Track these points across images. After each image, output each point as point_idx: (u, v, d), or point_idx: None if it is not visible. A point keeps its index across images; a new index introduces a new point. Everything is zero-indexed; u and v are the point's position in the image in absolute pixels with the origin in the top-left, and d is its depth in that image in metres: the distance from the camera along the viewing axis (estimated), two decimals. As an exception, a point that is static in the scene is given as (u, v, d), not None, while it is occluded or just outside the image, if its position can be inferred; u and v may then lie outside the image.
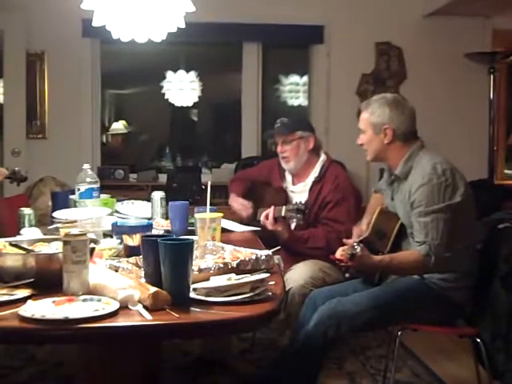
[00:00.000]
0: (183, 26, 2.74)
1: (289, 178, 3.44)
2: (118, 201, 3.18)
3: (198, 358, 3.34)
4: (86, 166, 2.97)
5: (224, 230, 2.65)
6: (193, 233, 2.48)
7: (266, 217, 3.03)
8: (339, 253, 2.51)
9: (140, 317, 1.59)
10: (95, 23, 2.66)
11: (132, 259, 2.00)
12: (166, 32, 2.77)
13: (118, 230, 2.42)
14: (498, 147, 5.75)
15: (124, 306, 1.63)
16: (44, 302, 1.64)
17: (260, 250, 2.16)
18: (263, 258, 2.02)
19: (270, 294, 1.79)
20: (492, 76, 5.37)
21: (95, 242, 2.11)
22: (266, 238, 2.84)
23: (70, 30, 5.23)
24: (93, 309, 1.59)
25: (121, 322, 1.57)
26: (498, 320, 2.52)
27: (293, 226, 3.18)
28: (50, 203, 3.11)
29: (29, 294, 1.73)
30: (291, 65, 6.25)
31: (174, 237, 1.93)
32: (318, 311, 2.55)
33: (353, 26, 5.49)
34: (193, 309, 1.67)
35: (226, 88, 6.52)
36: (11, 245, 1.99)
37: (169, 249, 1.67)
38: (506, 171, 5.97)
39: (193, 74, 6.07)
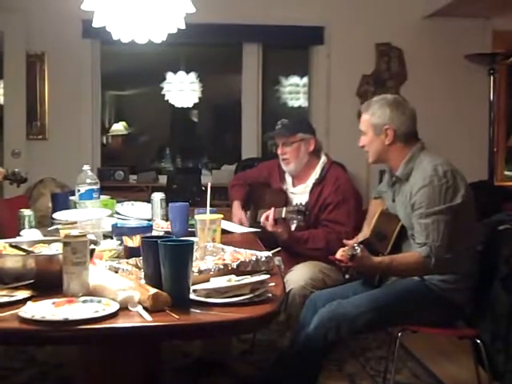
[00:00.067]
0: (183, 26, 2.74)
1: (289, 179, 3.43)
2: (118, 202, 3.17)
3: (197, 360, 3.34)
4: (86, 167, 2.97)
5: (224, 232, 2.65)
6: (193, 234, 2.48)
7: (266, 218, 3.03)
8: (339, 253, 2.51)
9: (140, 318, 1.59)
10: (95, 24, 2.66)
11: (132, 260, 2.00)
12: (166, 33, 2.77)
13: (117, 232, 2.42)
14: (498, 148, 5.75)
15: (124, 308, 1.63)
16: (44, 303, 1.64)
17: (260, 251, 2.16)
18: (263, 259, 2.02)
19: (270, 295, 1.79)
20: (492, 77, 5.37)
21: (95, 243, 2.11)
22: (266, 240, 2.84)
23: (70, 30, 5.23)
24: (93, 310, 1.59)
25: (121, 323, 1.57)
26: (498, 321, 2.52)
27: (293, 227, 3.17)
28: (50, 204, 3.11)
29: (29, 296, 1.73)
30: (291, 66, 6.25)
31: (174, 238, 1.93)
32: (319, 314, 2.55)
33: (353, 26, 5.50)
34: (193, 310, 1.67)
35: (226, 89, 6.53)
36: (11, 246, 1.99)
37: (169, 250, 1.67)
38: (506, 172, 5.97)
39: (193, 75, 6.07)
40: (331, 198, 3.19)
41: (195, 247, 1.90)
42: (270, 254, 2.09)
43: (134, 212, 3.09)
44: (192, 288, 1.73)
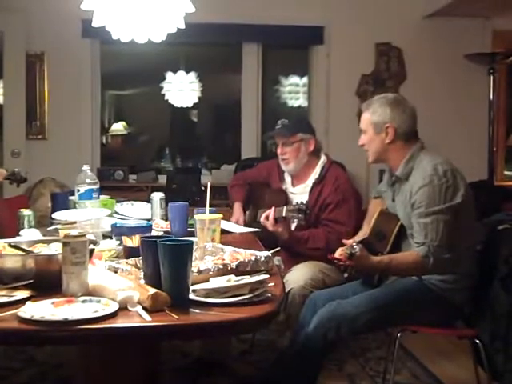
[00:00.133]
0: (183, 26, 2.74)
1: (288, 179, 3.43)
2: (117, 202, 3.17)
3: (197, 360, 3.34)
4: (86, 167, 2.97)
5: (223, 232, 2.65)
6: (192, 234, 2.48)
7: (267, 217, 3.02)
8: (338, 252, 2.51)
9: (139, 318, 1.59)
10: (95, 24, 2.66)
11: (131, 260, 2.00)
12: (165, 32, 2.78)
13: (117, 231, 2.42)
14: (498, 148, 5.75)
15: (123, 308, 1.63)
16: (43, 303, 1.63)
17: (259, 251, 2.16)
18: (263, 259, 2.02)
19: (270, 295, 1.79)
20: (492, 77, 5.38)
21: (94, 243, 2.11)
22: (265, 239, 2.84)
23: (69, 30, 5.23)
24: (92, 310, 1.59)
25: (120, 323, 1.57)
26: (498, 321, 2.52)
27: (293, 226, 3.17)
28: (49, 204, 3.11)
29: (28, 296, 1.73)
30: (291, 65, 6.25)
31: (174, 238, 1.93)
32: (318, 314, 2.55)
33: (353, 26, 5.50)
34: (192, 310, 1.67)
35: (226, 89, 6.53)
36: (10, 246, 1.98)
37: (168, 250, 1.67)
38: (506, 172, 5.97)
39: (193, 75, 6.07)
40: (331, 197, 3.19)
41: (195, 247, 1.90)
42: (269, 253, 2.09)
43: (134, 212, 3.09)
44: (191, 288, 1.73)
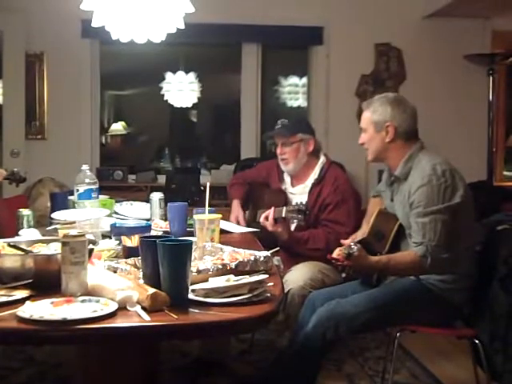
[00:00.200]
0: (182, 26, 2.74)
1: (287, 179, 3.43)
2: (116, 202, 3.17)
3: (196, 359, 3.34)
4: (85, 167, 2.97)
5: (223, 231, 2.65)
6: (191, 234, 2.48)
7: (266, 218, 3.02)
8: (336, 252, 2.51)
9: (138, 318, 1.59)
10: (94, 24, 2.66)
11: (130, 260, 2.00)
12: (165, 33, 2.77)
13: (116, 231, 2.42)
14: (497, 149, 5.75)
15: (122, 307, 1.63)
16: (42, 302, 1.63)
17: (259, 251, 2.16)
18: (262, 259, 2.02)
19: (269, 295, 1.79)
20: (491, 77, 5.38)
21: (94, 243, 2.10)
22: (264, 239, 2.84)
23: (69, 30, 5.23)
24: (91, 310, 1.59)
25: (119, 323, 1.57)
26: (497, 321, 2.52)
27: (293, 227, 3.17)
28: (48, 204, 3.10)
29: (27, 295, 1.73)
30: (290, 66, 6.25)
31: (173, 238, 1.93)
32: (317, 313, 2.55)
33: (352, 27, 5.50)
34: (191, 310, 1.67)
35: (226, 89, 6.53)
36: (10, 246, 1.98)
37: (167, 250, 1.67)
38: (505, 173, 5.98)
39: (192, 75, 6.07)
40: (330, 198, 3.19)
41: (194, 247, 1.90)
42: (268, 253, 2.09)
43: (133, 212, 3.09)
44: (190, 288, 1.73)
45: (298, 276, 3.01)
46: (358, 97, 5.52)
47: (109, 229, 2.52)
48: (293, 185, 3.40)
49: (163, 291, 1.67)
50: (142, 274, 1.82)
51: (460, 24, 5.49)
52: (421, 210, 2.49)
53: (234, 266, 1.93)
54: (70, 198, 3.02)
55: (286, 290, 2.78)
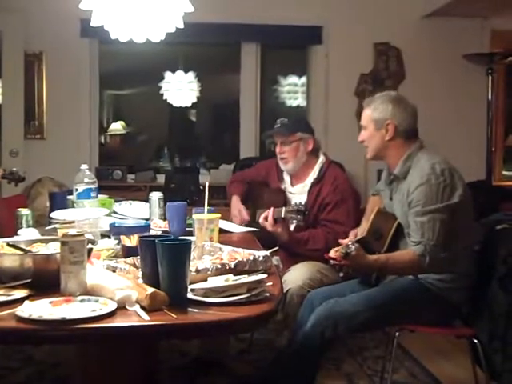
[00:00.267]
0: (182, 26, 2.74)
1: (287, 178, 3.43)
2: (115, 201, 3.17)
3: (195, 359, 3.34)
4: (84, 167, 2.97)
5: (222, 231, 2.65)
6: (190, 233, 2.47)
7: (265, 218, 3.02)
8: (333, 252, 2.51)
9: (137, 317, 1.59)
10: (93, 23, 2.65)
11: (130, 260, 1.99)
12: (164, 32, 2.77)
13: (115, 231, 2.42)
14: (496, 148, 5.75)
15: (121, 307, 1.63)
16: (41, 302, 1.63)
17: (258, 250, 2.16)
18: (261, 258, 2.02)
19: (268, 294, 1.79)
20: (490, 77, 5.38)
21: (93, 242, 2.10)
22: (264, 239, 2.84)
23: (68, 30, 5.23)
24: (90, 309, 1.59)
25: (118, 322, 1.57)
26: (496, 321, 2.52)
27: (292, 227, 3.17)
28: (47, 204, 3.10)
29: (26, 295, 1.73)
30: (290, 65, 6.26)
31: (172, 237, 1.93)
32: (316, 312, 2.55)
33: (351, 26, 5.50)
34: (190, 309, 1.67)
35: (225, 88, 6.53)
36: (9, 245, 1.98)
37: (166, 249, 1.67)
38: (504, 172, 5.98)
39: (191, 75, 6.07)
40: (330, 197, 3.19)
41: (193, 246, 1.90)
42: (267, 253, 2.09)
43: (132, 211, 3.09)
44: (190, 287, 1.73)
45: (296, 276, 3.00)
46: (357, 96, 5.52)
47: (108, 228, 2.52)
48: (292, 184, 3.40)
49: (162, 291, 1.67)
50: (141, 273, 1.82)
51: (459, 23, 5.49)
52: (419, 209, 2.49)
53: (233, 266, 1.93)
54: (69, 197, 3.01)
55: (284, 290, 2.78)
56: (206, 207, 2.49)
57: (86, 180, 2.92)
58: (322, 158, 3.35)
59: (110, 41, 2.94)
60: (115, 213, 3.04)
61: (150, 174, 5.68)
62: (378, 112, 2.66)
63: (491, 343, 2.53)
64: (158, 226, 2.77)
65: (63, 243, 1.72)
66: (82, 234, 1.76)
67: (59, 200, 3.04)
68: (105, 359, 1.88)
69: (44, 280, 1.79)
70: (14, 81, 5.25)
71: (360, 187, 5.03)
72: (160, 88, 6.03)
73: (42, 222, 2.95)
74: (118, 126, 6.64)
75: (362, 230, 2.79)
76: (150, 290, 1.65)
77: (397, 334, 2.59)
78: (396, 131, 2.63)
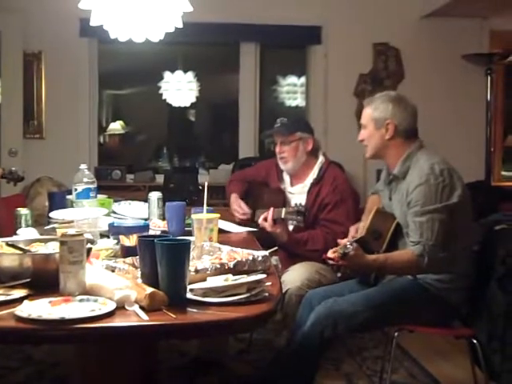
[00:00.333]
0: (181, 26, 2.74)
1: (287, 178, 3.43)
2: (114, 201, 3.17)
3: (194, 359, 3.34)
4: (83, 167, 2.97)
5: (221, 231, 2.65)
6: (190, 233, 2.47)
7: (265, 219, 3.02)
8: (331, 252, 2.51)
9: (136, 317, 1.59)
10: (93, 23, 2.65)
11: (129, 260, 1.99)
12: (163, 32, 2.77)
13: (114, 231, 2.42)
14: (495, 148, 5.76)
15: (120, 307, 1.63)
16: (40, 302, 1.63)
17: (257, 250, 2.16)
18: (260, 258, 2.02)
19: (267, 294, 1.79)
20: (489, 77, 5.38)
21: (92, 242, 2.10)
22: (263, 239, 2.83)
23: (67, 29, 5.23)
24: (89, 309, 1.59)
25: (117, 322, 1.57)
26: (495, 321, 2.52)
27: (291, 227, 3.17)
28: (46, 203, 3.10)
29: (25, 294, 1.73)
30: (289, 65, 6.25)
31: (171, 237, 1.93)
32: (315, 311, 2.55)
33: (350, 26, 5.50)
34: (189, 309, 1.67)
35: (224, 88, 6.52)
36: (8, 245, 1.98)
37: (166, 249, 1.67)
38: (503, 173, 5.98)
39: (190, 75, 6.07)
40: (329, 197, 3.19)
41: (192, 246, 1.90)
42: (266, 253, 2.09)
43: (131, 211, 3.09)
44: (189, 287, 1.73)
45: (295, 276, 3.00)
46: (357, 96, 5.53)
47: (107, 228, 2.52)
48: (292, 184, 3.40)
49: (161, 290, 1.67)
50: (140, 273, 1.82)
51: (458, 24, 5.50)
52: (418, 209, 2.49)
53: (232, 266, 1.93)
54: (68, 197, 3.01)
55: (283, 291, 2.78)
56: (205, 207, 2.49)
57: (85, 180, 2.92)
58: (321, 159, 3.35)
59: (110, 40, 2.94)
60: (114, 213, 3.04)
61: (149, 174, 5.68)
62: (378, 111, 2.66)
63: (490, 343, 2.54)
64: (157, 226, 2.77)
65: (62, 243, 1.72)
66: (81, 234, 1.76)
67: (58, 200, 3.04)
68: (104, 359, 1.88)
69: (43, 280, 1.79)
70: (13, 80, 5.25)
71: (359, 187, 5.03)
72: (159, 88, 6.03)
73: (41, 221, 2.95)
74: (117, 126, 6.63)
75: (362, 225, 2.78)
76: (149, 289, 1.65)
77: (396, 334, 2.59)
78: (396, 131, 2.63)
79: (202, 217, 2.41)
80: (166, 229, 2.70)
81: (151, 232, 2.60)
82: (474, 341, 2.57)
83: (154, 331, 1.60)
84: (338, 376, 3.27)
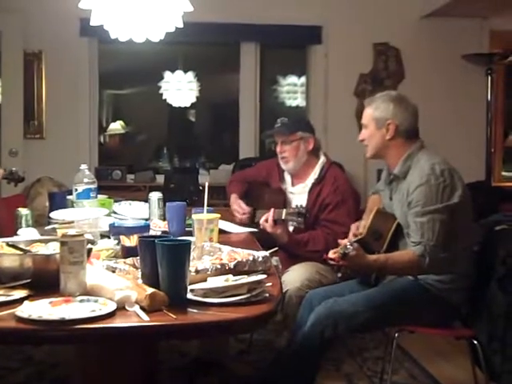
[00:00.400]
0: (181, 25, 2.74)
1: (288, 178, 3.43)
2: (115, 201, 3.17)
3: (195, 359, 3.34)
4: (84, 167, 2.97)
5: (221, 231, 2.65)
6: (190, 234, 2.47)
7: (266, 220, 3.01)
8: (332, 252, 2.50)
9: (137, 318, 1.59)
10: (93, 22, 2.65)
11: (129, 260, 1.99)
12: (164, 32, 2.77)
13: (115, 231, 2.41)
14: (496, 149, 5.75)
15: (121, 307, 1.63)
16: (41, 302, 1.63)
17: (257, 251, 2.15)
18: (260, 259, 2.02)
19: (267, 295, 1.79)
20: (489, 77, 5.38)
21: (92, 242, 2.10)
22: (263, 240, 2.83)
23: (67, 29, 5.23)
24: (90, 309, 1.59)
25: (118, 322, 1.57)
26: (495, 322, 2.52)
27: (291, 228, 3.17)
28: (47, 204, 3.09)
29: (26, 295, 1.73)
30: (289, 65, 6.25)
31: (172, 238, 1.93)
32: (315, 311, 2.55)
33: (351, 26, 5.50)
34: (190, 310, 1.67)
35: (224, 88, 6.52)
36: (8, 245, 1.98)
37: (166, 250, 1.67)
38: (504, 173, 5.98)
39: (191, 75, 6.06)
40: (330, 198, 3.19)
41: (192, 247, 1.90)
42: (267, 253, 2.09)
43: (132, 211, 3.09)
44: (189, 288, 1.73)
45: (295, 277, 3.00)
46: (357, 96, 5.53)
47: (107, 228, 2.52)
48: (293, 184, 3.39)
49: (162, 291, 1.67)
50: (140, 273, 1.82)
51: (458, 24, 5.50)
52: (419, 209, 2.49)
53: (232, 266, 1.93)
54: (69, 197, 3.01)
55: (283, 291, 2.78)
56: (206, 207, 2.49)
57: (85, 180, 2.92)
58: (322, 159, 3.35)
59: (110, 40, 2.94)
60: (115, 213, 3.04)
61: (149, 174, 5.68)
62: (379, 111, 2.66)
63: (490, 344, 2.53)
64: (158, 227, 2.77)
65: (63, 243, 1.72)
66: (82, 234, 1.76)
67: (58, 200, 3.04)
68: (104, 359, 1.88)
69: (43, 280, 1.79)
70: (14, 80, 5.25)
71: (359, 187, 5.03)
72: (159, 88, 6.02)
73: (41, 222, 2.95)
74: (117, 126, 6.63)
75: (363, 224, 2.78)
76: (150, 290, 1.65)
77: (396, 334, 2.59)
78: (397, 131, 2.63)
79: (202, 217, 2.41)
80: (167, 229, 2.70)
81: (152, 232, 2.60)
82: (475, 341, 2.57)
83: (155, 332, 1.60)
84: (338, 376, 3.27)
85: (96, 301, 1.65)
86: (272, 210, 3.01)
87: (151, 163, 6.51)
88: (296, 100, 6.29)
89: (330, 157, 3.47)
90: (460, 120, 5.56)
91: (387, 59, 5.58)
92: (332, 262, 2.50)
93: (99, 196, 3.06)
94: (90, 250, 1.91)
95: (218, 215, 2.47)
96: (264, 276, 1.84)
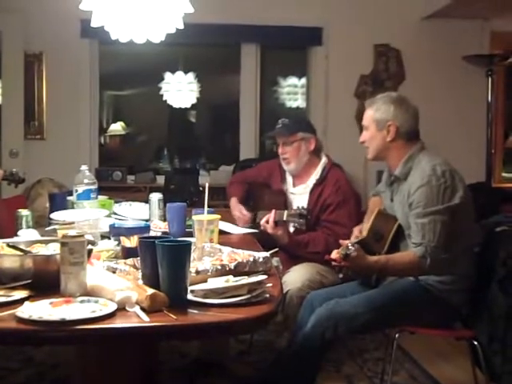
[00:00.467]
0: (182, 27, 2.74)
1: (289, 179, 3.42)
2: (115, 202, 3.17)
3: (195, 360, 3.34)
4: (84, 168, 2.97)
5: (222, 232, 2.65)
6: (190, 235, 2.47)
7: (267, 221, 3.01)
8: (334, 253, 2.51)
9: (137, 318, 1.59)
10: (94, 24, 2.65)
11: (129, 261, 1.99)
12: (164, 33, 2.77)
13: (115, 232, 2.42)
14: (496, 150, 5.75)
15: (121, 308, 1.63)
16: (41, 303, 1.63)
17: (258, 252, 2.15)
18: (261, 260, 2.02)
19: (268, 295, 1.79)
20: (490, 78, 5.38)
21: (93, 243, 2.10)
22: (264, 241, 2.83)
23: (68, 30, 5.23)
24: (90, 310, 1.59)
25: (118, 323, 1.57)
26: (495, 323, 2.52)
27: (291, 229, 3.17)
28: (47, 204, 3.10)
29: (26, 296, 1.73)
30: (289, 66, 6.26)
31: (172, 238, 1.93)
32: (316, 312, 2.55)
33: (351, 27, 5.50)
34: (190, 310, 1.67)
35: (225, 89, 6.52)
36: (9, 246, 1.98)
37: (166, 250, 1.67)
38: (504, 174, 5.98)
39: (191, 76, 6.07)
40: (331, 198, 3.19)
41: (193, 248, 1.90)
42: (267, 254, 2.09)
43: (132, 212, 3.09)
44: (189, 288, 1.73)
45: (296, 277, 3.00)
46: (357, 97, 5.53)
47: (108, 229, 2.52)
48: (294, 185, 3.39)
49: (162, 292, 1.67)
50: (141, 274, 1.82)
51: (459, 25, 5.50)
52: (420, 210, 2.49)
53: (233, 267, 1.93)
54: (69, 198, 3.01)
55: (284, 292, 2.77)
56: (206, 208, 2.49)
57: (85, 181, 2.92)
58: (324, 160, 3.35)
59: (110, 41, 2.94)
60: (115, 214, 3.04)
61: (149, 175, 5.68)
62: (379, 113, 2.66)
63: (491, 345, 2.53)
64: (158, 227, 2.77)
65: (63, 244, 1.72)
66: (82, 235, 1.76)
67: (59, 201, 3.04)
68: (104, 360, 1.88)
69: (44, 281, 1.79)
70: (14, 81, 5.25)
71: (360, 188, 5.02)
72: (160, 89, 6.03)
73: (41, 222, 2.95)
74: (117, 127, 6.64)
75: (365, 227, 2.78)
76: (150, 291, 1.65)
77: (397, 335, 2.59)
78: (397, 132, 2.63)
79: (202, 218, 2.41)
80: (167, 230, 2.70)
81: (152, 233, 2.60)
82: (475, 342, 2.56)
83: (155, 332, 1.60)
84: (338, 378, 3.27)
85: (96, 301, 1.65)
86: (273, 211, 3.01)
87: (151, 164, 6.52)
88: (296, 101, 6.29)
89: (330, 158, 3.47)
90: (460, 121, 5.56)
91: (388, 60, 5.58)
92: (334, 263, 2.51)
93: (99, 197, 3.07)
94: (90, 251, 1.91)
95: (219, 216, 2.47)
96: (264, 277, 1.84)
